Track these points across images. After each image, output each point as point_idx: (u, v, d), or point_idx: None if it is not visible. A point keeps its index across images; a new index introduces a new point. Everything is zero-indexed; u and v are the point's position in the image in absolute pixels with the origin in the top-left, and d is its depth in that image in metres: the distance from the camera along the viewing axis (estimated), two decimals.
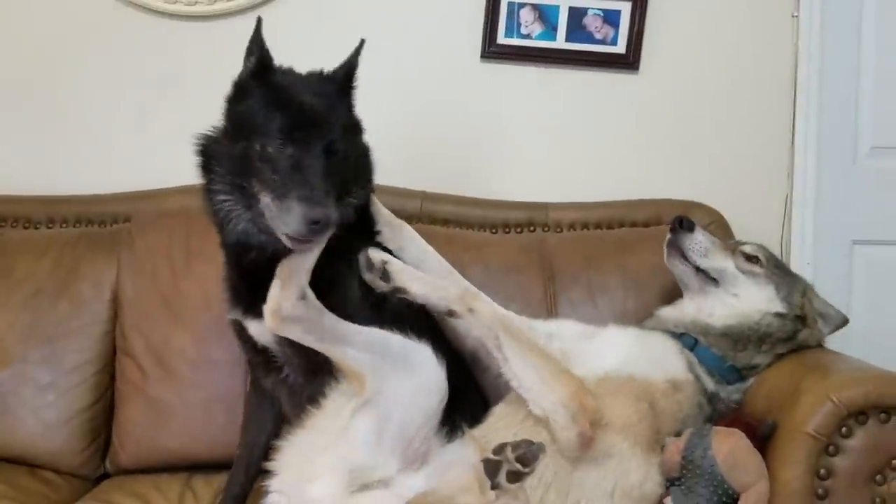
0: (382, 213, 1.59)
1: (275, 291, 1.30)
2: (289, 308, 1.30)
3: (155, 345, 1.83)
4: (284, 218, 1.23)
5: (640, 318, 1.79)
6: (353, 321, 1.34)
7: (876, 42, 2.37)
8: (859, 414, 1.34)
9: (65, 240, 1.97)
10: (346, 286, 1.41)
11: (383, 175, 2.17)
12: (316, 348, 1.33)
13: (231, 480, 1.56)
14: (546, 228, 2.18)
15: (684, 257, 1.71)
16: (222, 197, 1.35)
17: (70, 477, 1.79)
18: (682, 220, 1.75)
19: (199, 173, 1.41)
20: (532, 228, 2.18)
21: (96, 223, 2.10)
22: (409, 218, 1.95)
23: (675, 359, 1.54)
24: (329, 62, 2.27)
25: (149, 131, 2.30)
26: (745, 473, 1.36)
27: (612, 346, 1.53)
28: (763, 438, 1.41)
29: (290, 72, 1.47)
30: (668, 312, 1.68)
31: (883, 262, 2.41)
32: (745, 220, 2.27)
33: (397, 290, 1.43)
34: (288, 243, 1.26)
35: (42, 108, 2.31)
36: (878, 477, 1.35)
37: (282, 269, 1.32)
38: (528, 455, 1.15)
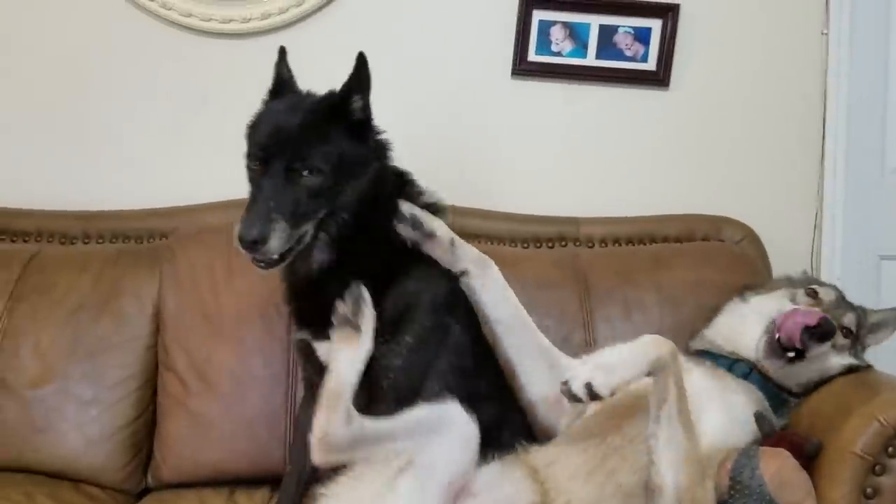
0: (468, 251, 1.59)
1: (320, 418, 1.33)
2: (338, 435, 1.32)
3: (197, 360, 1.84)
4: None
5: (675, 334, 1.78)
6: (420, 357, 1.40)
7: None
8: None
9: (105, 256, 1.98)
10: (417, 321, 1.44)
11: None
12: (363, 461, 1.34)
13: (281, 499, 1.58)
14: (577, 243, 2.20)
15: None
16: None
17: (113, 492, 1.80)
18: (821, 324, 1.52)
19: None
20: (563, 243, 2.20)
21: (133, 238, 2.12)
22: None
23: (751, 407, 1.52)
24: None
25: (184, 146, 2.33)
26: (793, 492, 1.37)
27: (708, 416, 1.45)
28: (809, 457, 1.42)
29: (292, 95, 1.51)
30: (716, 336, 1.67)
31: None
32: (774, 234, 2.29)
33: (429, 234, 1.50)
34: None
35: (77, 124, 2.33)
36: None
37: (325, 391, 1.35)
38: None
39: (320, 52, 2.32)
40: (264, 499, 1.75)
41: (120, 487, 1.82)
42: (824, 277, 2.36)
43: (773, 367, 1.58)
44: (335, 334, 1.41)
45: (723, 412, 1.49)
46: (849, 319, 1.66)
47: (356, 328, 1.40)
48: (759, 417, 1.50)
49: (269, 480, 1.78)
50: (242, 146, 2.24)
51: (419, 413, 1.38)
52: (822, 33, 2.34)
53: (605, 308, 1.94)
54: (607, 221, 2.24)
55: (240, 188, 2.20)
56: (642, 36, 2.31)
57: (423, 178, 2.28)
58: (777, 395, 1.59)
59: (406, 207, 1.53)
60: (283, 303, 1.54)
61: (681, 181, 2.36)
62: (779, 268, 2.24)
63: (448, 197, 2.24)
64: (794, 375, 1.59)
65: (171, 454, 1.82)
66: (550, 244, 2.20)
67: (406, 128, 2.31)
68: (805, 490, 1.38)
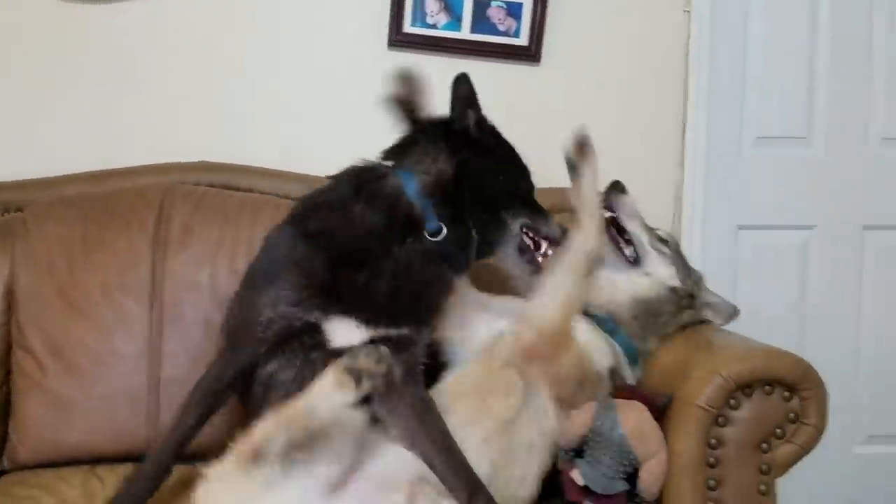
0: None
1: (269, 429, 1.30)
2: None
3: (53, 338, 1.76)
4: None
5: None
6: None
7: (762, 36, 2.53)
8: (746, 387, 1.44)
9: None
10: None
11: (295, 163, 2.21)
12: None
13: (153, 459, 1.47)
14: None
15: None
16: None
17: None
18: (618, 183, 1.87)
19: None
20: None
21: None
22: None
23: (609, 356, 1.62)
24: (229, 51, 2.27)
25: (42, 118, 2.21)
26: (649, 444, 1.45)
27: (585, 326, 1.61)
28: (660, 411, 1.50)
29: None
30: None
31: (765, 246, 2.57)
32: (640, 205, 2.37)
33: None
34: None
35: None
36: (764, 445, 1.46)
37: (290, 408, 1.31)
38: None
39: (180, 23, 2.26)
40: (128, 472, 1.67)
41: None
42: (685, 247, 2.45)
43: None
44: (334, 373, 1.30)
45: (589, 328, 1.63)
46: (663, 232, 1.86)
47: (358, 384, 1.29)
48: (613, 371, 1.57)
49: (133, 458, 1.71)
50: (101, 115, 2.19)
51: None
52: (685, 11, 2.44)
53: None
54: None
55: (96, 159, 2.15)
56: (514, 11, 2.34)
57: (299, 153, 2.28)
58: (634, 350, 1.67)
59: None
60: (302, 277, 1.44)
61: (553, 155, 2.40)
62: None
63: (319, 168, 2.25)
64: (629, 294, 1.71)
65: (29, 436, 1.74)
66: None
67: (280, 102, 2.30)
68: (659, 442, 1.45)
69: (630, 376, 1.64)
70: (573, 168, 1.67)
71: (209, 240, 1.87)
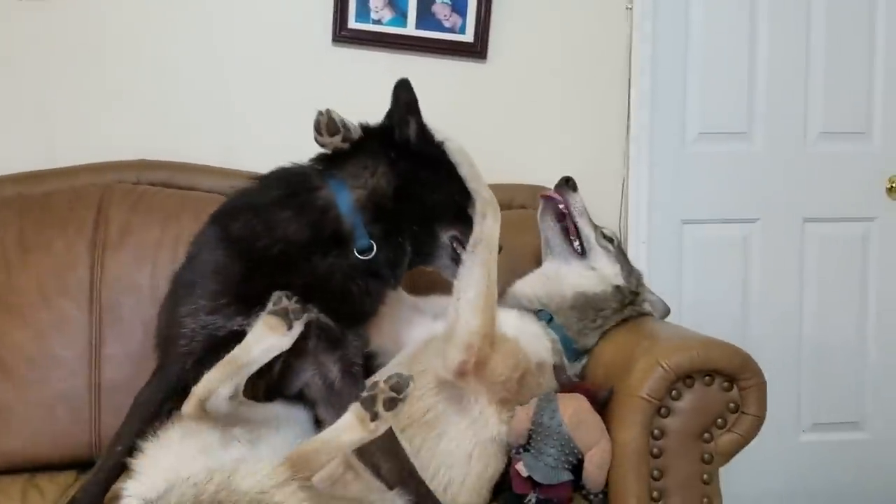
0: None
1: (212, 378, 1.33)
2: (217, 402, 1.35)
3: None
4: None
5: None
6: None
7: (703, 34, 2.56)
8: (687, 377, 1.46)
9: None
10: None
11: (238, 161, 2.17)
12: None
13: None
14: None
15: (556, 219, 1.81)
16: None
17: None
18: (569, 179, 1.88)
19: None
20: None
21: None
22: None
23: (545, 342, 1.63)
24: (166, 47, 2.21)
25: None
26: (589, 433, 1.46)
27: (506, 317, 1.61)
28: (602, 404, 1.51)
29: None
30: (523, 288, 1.76)
31: (708, 240, 2.61)
32: (587, 201, 2.39)
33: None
34: None
35: None
36: (706, 435, 1.48)
37: (230, 358, 1.35)
38: (400, 383, 1.23)
39: (125, 19, 2.21)
40: (68, 481, 1.65)
41: None
42: (631, 242, 2.50)
43: (548, 233, 1.81)
44: (264, 318, 1.35)
45: (518, 321, 1.63)
46: (608, 231, 1.88)
47: (288, 324, 1.35)
48: (557, 368, 1.57)
49: (73, 465, 1.70)
50: (36, 114, 2.11)
51: (278, 408, 1.48)
52: (627, 7, 2.46)
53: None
54: None
55: (32, 159, 2.09)
56: (460, 7, 2.34)
57: (242, 151, 2.24)
58: (573, 345, 1.69)
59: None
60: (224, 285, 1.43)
61: (501, 152, 2.41)
62: None
63: (261, 165, 2.21)
64: (573, 288, 1.72)
65: None
66: None
67: (220, 98, 2.27)
68: (600, 431, 1.47)
69: (567, 364, 1.65)
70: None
71: (148, 239, 1.85)
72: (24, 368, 1.72)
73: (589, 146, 2.48)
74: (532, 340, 1.59)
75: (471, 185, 1.57)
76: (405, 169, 1.48)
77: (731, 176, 2.60)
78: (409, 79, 1.55)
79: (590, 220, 1.86)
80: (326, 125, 1.49)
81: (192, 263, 1.50)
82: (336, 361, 1.45)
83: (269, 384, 1.47)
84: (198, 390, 1.32)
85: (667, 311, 1.88)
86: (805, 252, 2.65)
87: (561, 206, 1.84)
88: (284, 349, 1.36)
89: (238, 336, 1.37)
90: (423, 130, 1.53)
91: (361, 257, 1.43)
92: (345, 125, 1.50)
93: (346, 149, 1.51)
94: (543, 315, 1.68)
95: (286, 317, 1.34)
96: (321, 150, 1.54)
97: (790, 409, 2.66)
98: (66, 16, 2.18)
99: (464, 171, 1.58)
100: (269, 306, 1.35)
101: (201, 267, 1.46)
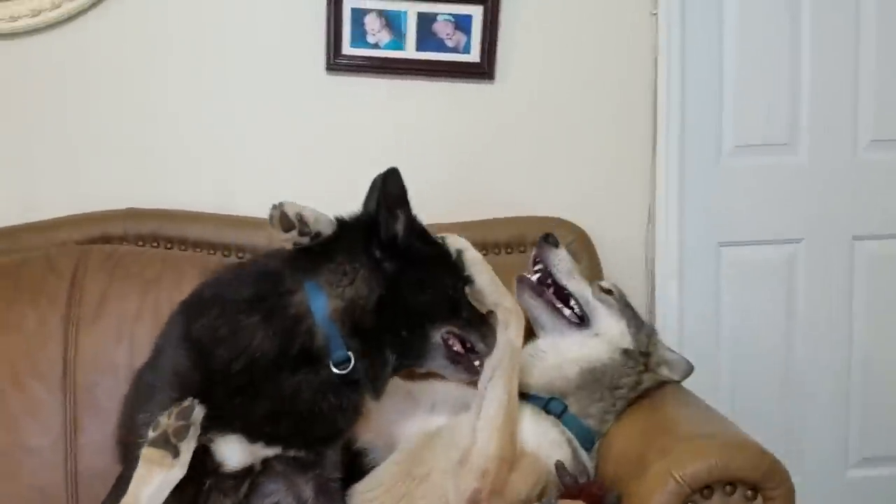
0: None
1: None
2: None
3: None
4: None
5: None
6: None
7: (738, 37, 2.32)
8: (705, 488, 1.29)
9: None
10: None
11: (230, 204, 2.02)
12: None
13: None
14: None
15: (537, 294, 1.62)
16: None
17: None
18: (549, 236, 1.70)
19: None
20: None
21: None
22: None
23: (565, 449, 1.48)
24: (150, 85, 2.07)
25: None
26: None
27: (527, 424, 1.46)
28: None
29: None
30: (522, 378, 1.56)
31: (748, 263, 2.40)
32: (607, 229, 2.21)
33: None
34: None
35: None
36: None
37: None
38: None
39: (111, 45, 2.07)
40: None
41: None
42: (660, 269, 2.30)
43: (531, 310, 1.61)
44: (142, 453, 1.21)
45: (536, 428, 1.47)
46: (606, 283, 1.71)
47: (173, 451, 1.19)
48: (560, 467, 1.42)
49: None
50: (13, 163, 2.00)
51: None
52: (652, 14, 2.23)
53: None
54: (437, 228, 2.08)
55: (11, 211, 1.99)
56: (463, 24, 2.14)
57: (234, 193, 2.11)
58: (587, 432, 1.52)
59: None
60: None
61: (513, 181, 2.23)
62: (612, 263, 2.17)
63: (257, 208, 2.09)
64: (576, 362, 1.56)
65: None
66: None
67: (207, 136, 2.13)
68: None
69: (588, 463, 1.49)
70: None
71: (126, 311, 1.73)
72: None
73: (611, 169, 2.28)
74: (552, 450, 1.44)
75: (491, 296, 1.44)
76: (391, 271, 1.32)
77: (772, 192, 2.38)
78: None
79: (580, 276, 1.68)
80: (280, 220, 1.33)
81: (155, 361, 1.37)
82: (309, 480, 1.32)
83: (236, 502, 1.34)
84: None
85: (689, 370, 1.68)
86: (854, 272, 2.43)
87: (534, 278, 1.65)
88: (177, 480, 1.19)
89: (194, 451, 1.24)
90: (411, 224, 1.36)
91: (337, 371, 1.28)
92: (301, 219, 1.34)
93: (327, 243, 1.35)
94: (556, 406, 1.52)
95: (167, 444, 1.18)
96: (303, 238, 1.37)
97: (837, 443, 2.46)
98: (41, 57, 2.05)
99: (483, 282, 1.45)
100: (149, 435, 1.20)
101: (162, 368, 1.33)
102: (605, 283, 1.69)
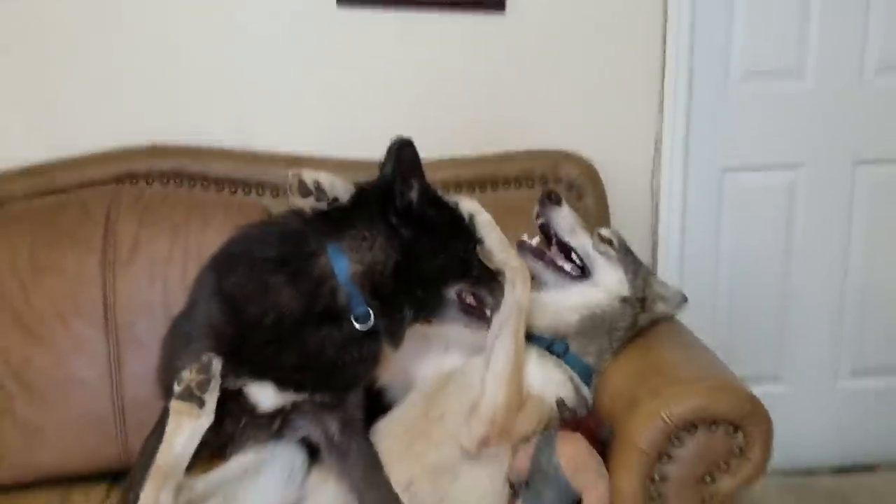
0: None
1: (149, 494, 1.32)
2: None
3: (15, 365, 1.78)
4: None
5: None
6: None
7: None
8: (690, 426, 1.42)
9: None
10: None
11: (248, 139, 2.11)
12: None
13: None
14: None
15: (537, 257, 1.71)
16: None
17: None
18: (551, 194, 1.76)
19: None
20: None
21: None
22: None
23: (568, 387, 1.59)
24: (166, 22, 2.10)
25: None
26: (586, 476, 1.44)
27: (533, 368, 1.57)
28: (603, 443, 1.50)
29: None
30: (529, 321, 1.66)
31: (750, 188, 2.46)
32: (615, 160, 2.28)
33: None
34: None
35: None
36: (708, 478, 1.45)
37: (157, 467, 1.33)
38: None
39: None
40: (100, 495, 1.75)
41: None
42: (664, 196, 2.38)
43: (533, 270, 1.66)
44: (172, 406, 1.34)
45: (543, 369, 1.59)
46: (606, 231, 1.75)
47: (199, 402, 1.33)
48: (560, 404, 1.55)
49: (107, 476, 1.79)
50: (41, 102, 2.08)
51: (244, 459, 1.48)
52: None
53: None
54: (448, 164, 2.15)
55: (40, 149, 2.08)
56: None
57: (254, 128, 2.18)
58: (587, 369, 1.65)
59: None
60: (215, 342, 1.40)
61: (521, 112, 2.28)
62: (618, 192, 2.26)
63: (271, 143, 2.17)
64: (576, 310, 1.65)
65: (3, 458, 1.79)
66: None
67: (222, 68, 2.18)
68: (597, 474, 1.45)
69: (589, 397, 1.62)
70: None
71: (157, 255, 1.85)
72: (50, 390, 1.78)
73: (619, 94, 2.32)
74: (555, 389, 1.56)
75: (499, 256, 1.52)
76: (407, 237, 1.41)
77: (777, 119, 2.43)
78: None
79: (582, 229, 1.75)
80: (298, 188, 1.41)
81: (190, 312, 1.49)
82: (334, 418, 1.46)
83: (270, 435, 1.49)
84: None
85: (682, 301, 1.78)
86: (854, 196, 2.49)
87: (534, 242, 1.72)
88: (207, 427, 1.33)
89: (230, 393, 1.39)
90: (425, 192, 1.43)
91: (359, 326, 1.39)
92: (318, 187, 1.42)
93: (346, 209, 1.44)
94: (558, 347, 1.63)
95: (192, 397, 1.31)
96: (320, 203, 1.45)
97: (829, 354, 2.59)
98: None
99: (492, 243, 1.52)
100: (174, 388, 1.33)
101: (197, 318, 1.45)
102: (605, 232, 1.75)
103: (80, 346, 1.80)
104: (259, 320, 1.37)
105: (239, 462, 1.48)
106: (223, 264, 1.45)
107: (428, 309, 1.47)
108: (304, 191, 1.42)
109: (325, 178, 1.44)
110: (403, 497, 1.44)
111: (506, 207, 2.00)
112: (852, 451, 2.63)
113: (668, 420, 1.41)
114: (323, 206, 1.43)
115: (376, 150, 1.93)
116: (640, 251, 2.33)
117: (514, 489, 1.51)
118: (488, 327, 1.51)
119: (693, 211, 2.43)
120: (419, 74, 2.24)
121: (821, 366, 2.59)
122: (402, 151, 1.40)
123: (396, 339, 1.44)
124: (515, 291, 1.51)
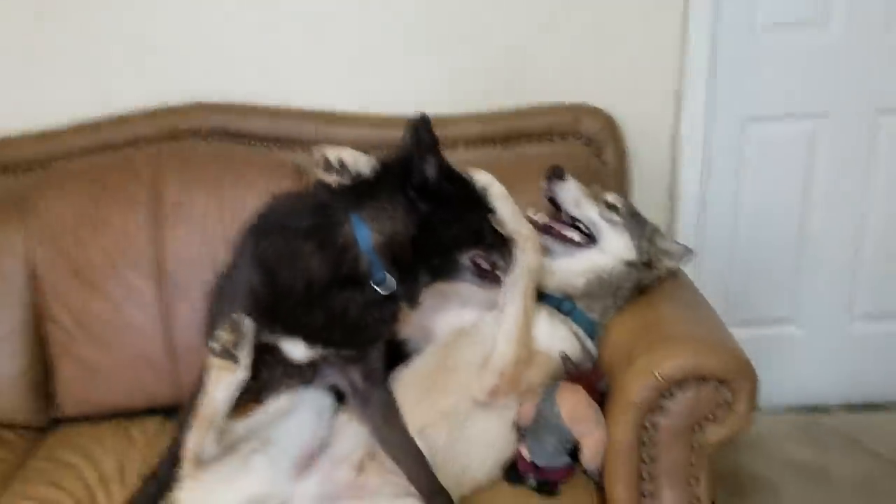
0: None
1: (193, 440, 1.51)
2: (208, 452, 1.53)
3: (75, 311, 1.97)
4: None
5: None
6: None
7: None
8: (681, 382, 1.55)
9: None
10: None
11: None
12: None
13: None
14: (444, 147, 2.18)
15: (542, 230, 1.80)
16: None
17: (23, 430, 2.01)
18: (556, 170, 1.85)
19: None
20: None
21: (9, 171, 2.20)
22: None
23: (574, 343, 1.74)
24: None
25: (31, 64, 2.28)
26: (584, 425, 1.60)
27: (542, 326, 1.71)
28: (602, 394, 1.64)
29: None
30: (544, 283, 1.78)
31: (773, 138, 2.51)
32: (636, 111, 2.35)
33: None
34: None
35: None
36: (696, 427, 1.58)
37: (199, 416, 1.52)
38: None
39: None
40: (156, 428, 1.96)
41: (30, 424, 2.02)
42: (685, 144, 2.44)
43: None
44: (212, 363, 1.51)
45: (550, 328, 1.73)
46: (612, 197, 1.85)
47: (233, 359, 1.49)
48: (564, 357, 1.69)
49: (161, 410, 1.99)
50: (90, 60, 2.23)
51: (278, 403, 1.66)
52: None
53: None
54: (477, 119, 2.26)
55: (89, 105, 2.23)
56: None
57: (292, 84, 2.29)
58: (592, 324, 1.78)
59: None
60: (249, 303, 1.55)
61: (544, 65, 2.34)
62: (639, 142, 2.34)
63: (306, 100, 2.27)
64: (583, 274, 1.77)
65: (68, 395, 2.01)
66: None
67: (267, 36, 2.28)
68: (595, 423, 1.60)
69: (594, 351, 1.76)
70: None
71: (198, 212, 2.00)
72: (108, 334, 1.97)
73: (641, 50, 2.36)
74: (562, 345, 1.70)
75: (511, 225, 1.64)
76: (424, 211, 1.51)
77: (802, 68, 2.46)
78: (429, 119, 1.50)
79: (588, 198, 1.84)
80: (323, 164, 1.54)
81: (231, 273, 1.64)
82: (358, 369, 1.62)
83: (301, 382, 1.67)
84: (187, 455, 1.50)
85: (687, 254, 1.87)
86: (877, 146, 2.52)
87: (538, 218, 1.81)
88: (243, 378, 1.50)
89: (266, 347, 1.56)
90: (441, 168, 1.53)
91: (379, 289, 1.53)
92: (341, 163, 1.54)
93: (369, 182, 1.56)
94: (566, 306, 1.75)
95: (227, 354, 1.48)
96: (343, 178, 1.59)
97: (842, 298, 2.67)
98: None
99: (505, 213, 1.64)
100: (212, 345, 1.49)
101: (237, 279, 1.60)
102: (610, 198, 1.84)
103: (133, 295, 1.98)
104: (290, 284, 1.52)
105: (274, 406, 1.66)
106: (260, 232, 1.59)
107: (444, 274, 1.60)
108: (328, 167, 1.54)
109: (349, 155, 1.56)
110: (418, 440, 1.60)
111: (527, 162, 2.14)
112: (863, 391, 2.73)
113: (658, 377, 1.53)
114: (346, 180, 1.55)
115: (400, 106, 2.05)
116: (659, 203, 2.43)
117: (522, 434, 1.67)
118: (499, 287, 1.64)
119: (714, 161, 2.49)
120: (437, 25, 2.30)
121: (835, 310, 2.67)
122: (420, 129, 1.50)
123: (413, 301, 1.58)
124: (526, 256, 1.64)
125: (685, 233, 2.49)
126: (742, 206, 2.56)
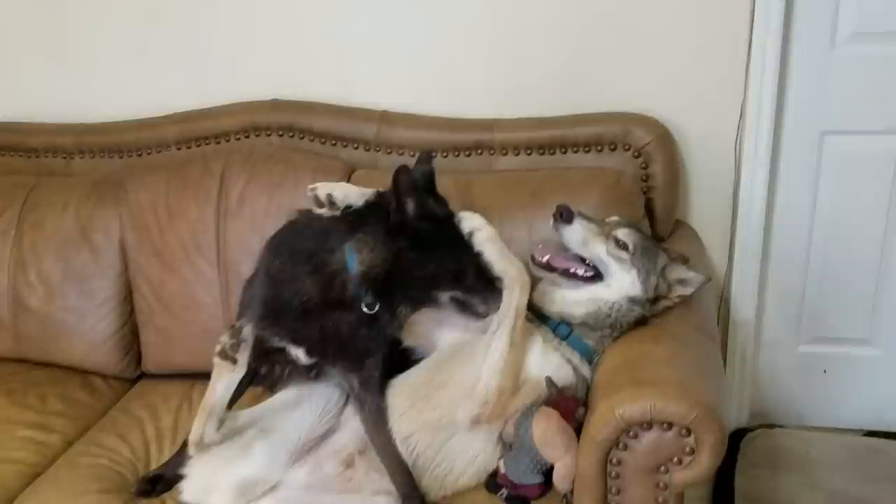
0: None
1: (197, 426, 1.73)
2: (210, 437, 1.74)
3: (155, 287, 2.29)
4: None
5: None
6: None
7: None
8: (644, 424, 1.59)
9: (81, 192, 2.39)
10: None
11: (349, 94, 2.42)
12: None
13: None
14: (492, 152, 2.31)
15: (546, 269, 1.84)
16: None
17: (113, 380, 2.38)
18: (562, 210, 1.86)
19: None
20: (479, 151, 2.32)
21: (120, 153, 2.53)
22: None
23: (566, 368, 1.81)
24: None
25: (144, 60, 2.57)
26: (554, 450, 1.67)
27: (534, 354, 1.80)
28: (579, 422, 1.71)
29: None
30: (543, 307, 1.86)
31: (852, 153, 2.38)
32: (697, 122, 2.31)
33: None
34: None
35: (51, 37, 2.62)
36: (662, 468, 1.61)
37: (203, 406, 1.73)
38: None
39: None
40: None
41: (120, 376, 2.40)
42: (747, 158, 2.35)
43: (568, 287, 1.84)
44: (215, 359, 1.73)
45: (543, 358, 1.81)
46: (623, 233, 1.84)
47: (233, 360, 1.72)
48: (549, 381, 1.77)
49: None
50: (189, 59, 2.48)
51: (287, 394, 1.86)
52: None
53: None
54: (523, 124, 2.31)
55: (185, 99, 2.50)
56: None
57: (355, 84, 2.44)
58: (589, 350, 1.84)
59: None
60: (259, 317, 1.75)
61: (602, 73, 2.34)
62: (699, 153, 2.32)
63: (369, 99, 2.40)
64: (583, 306, 1.82)
65: (150, 356, 2.36)
66: (468, 153, 2.32)
67: (335, 39, 2.43)
68: (563, 448, 1.66)
69: (588, 375, 1.82)
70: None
71: (258, 208, 2.23)
72: (180, 309, 2.28)
73: (705, 57, 2.29)
74: (554, 373, 1.77)
75: (498, 266, 1.70)
76: (401, 247, 1.64)
77: (885, 81, 2.28)
78: (409, 168, 1.63)
79: (596, 237, 1.84)
80: (314, 200, 1.70)
81: (252, 281, 1.86)
82: (355, 377, 1.79)
83: (309, 379, 1.88)
84: (192, 437, 1.73)
85: (705, 281, 1.88)
86: None
87: (544, 259, 1.84)
88: (241, 376, 1.71)
89: (277, 348, 1.77)
90: (422, 208, 1.64)
91: (367, 311, 1.68)
92: (331, 199, 1.69)
93: (362, 213, 1.71)
94: (563, 330, 1.82)
95: (227, 356, 1.68)
96: (335, 211, 1.74)
97: None
98: None
99: (491, 256, 1.70)
100: (216, 346, 1.69)
101: (254, 289, 1.81)
102: (621, 234, 1.83)
103: (200, 278, 2.27)
104: (290, 301, 1.71)
105: (282, 397, 1.88)
106: (275, 249, 1.79)
107: (423, 306, 1.73)
108: (318, 203, 1.71)
109: (339, 192, 1.71)
110: (403, 444, 1.77)
111: (562, 173, 2.19)
112: None
113: (619, 418, 1.58)
114: (337, 213, 1.71)
115: (457, 108, 2.20)
116: (720, 217, 2.38)
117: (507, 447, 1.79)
118: (483, 319, 1.74)
119: (784, 174, 2.39)
120: (497, 33, 2.35)
121: None
122: (399, 177, 1.61)
123: (396, 326, 1.72)
124: (514, 296, 1.70)
125: (749, 244, 2.43)
126: (819, 222, 2.46)
